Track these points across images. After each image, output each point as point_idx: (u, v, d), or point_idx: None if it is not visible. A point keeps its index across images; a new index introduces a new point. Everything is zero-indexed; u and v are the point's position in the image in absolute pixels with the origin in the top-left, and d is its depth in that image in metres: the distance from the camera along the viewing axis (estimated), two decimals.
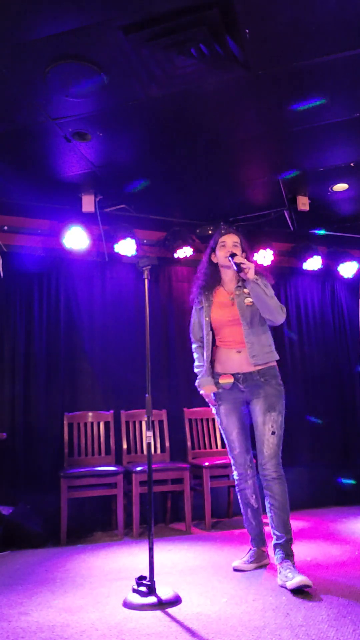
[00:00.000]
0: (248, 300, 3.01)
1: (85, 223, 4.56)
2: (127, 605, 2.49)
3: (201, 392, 3.13)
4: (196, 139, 3.66)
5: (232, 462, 3.12)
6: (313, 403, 5.49)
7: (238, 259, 2.94)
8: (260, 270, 3.02)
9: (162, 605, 2.46)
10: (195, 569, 3.09)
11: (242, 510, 3.11)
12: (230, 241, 3.08)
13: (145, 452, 4.54)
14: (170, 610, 2.42)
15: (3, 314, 4.64)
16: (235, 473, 3.12)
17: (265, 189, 4.44)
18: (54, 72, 2.86)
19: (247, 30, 2.64)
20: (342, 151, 3.91)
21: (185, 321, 3.18)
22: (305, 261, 5.37)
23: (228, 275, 3.15)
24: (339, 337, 5.79)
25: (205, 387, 3.10)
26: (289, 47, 2.80)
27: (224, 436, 3.13)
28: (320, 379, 5.58)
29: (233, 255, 2.98)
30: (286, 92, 3.18)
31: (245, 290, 3.04)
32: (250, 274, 2.89)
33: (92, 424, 4.56)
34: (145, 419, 2.84)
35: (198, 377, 3.15)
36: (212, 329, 3.12)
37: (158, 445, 4.66)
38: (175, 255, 4.99)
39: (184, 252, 4.94)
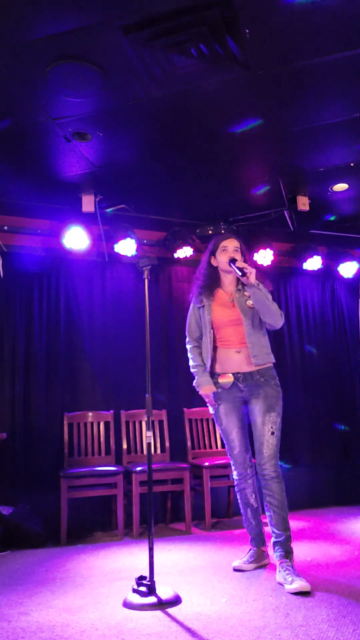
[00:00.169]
0: (249, 302, 3.04)
1: (85, 223, 4.56)
2: (127, 605, 2.49)
3: (200, 392, 3.13)
4: (196, 139, 3.66)
5: (231, 462, 3.13)
6: (313, 403, 5.49)
7: (239, 264, 2.97)
8: (259, 276, 3.05)
9: (162, 605, 2.46)
10: (195, 569, 3.09)
11: (242, 510, 3.12)
12: (231, 246, 3.10)
13: (145, 452, 4.53)
14: (170, 610, 2.42)
15: (3, 314, 4.64)
16: (235, 473, 3.12)
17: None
18: (54, 72, 2.86)
19: (247, 30, 2.64)
20: (342, 151, 3.91)
21: (185, 321, 3.17)
22: (305, 261, 5.37)
23: (228, 279, 3.18)
24: (339, 337, 5.79)
25: (204, 387, 3.09)
26: (289, 47, 2.80)
27: (222, 436, 3.13)
28: (320, 379, 5.58)
29: (234, 260, 3.01)
30: (286, 92, 3.19)
31: (245, 293, 3.07)
32: (252, 279, 2.93)
33: (92, 424, 4.56)
34: (145, 419, 2.85)
35: (195, 377, 3.15)
36: (212, 328, 3.12)
37: (158, 445, 4.66)
38: (175, 255, 4.99)
39: (184, 252, 4.94)
